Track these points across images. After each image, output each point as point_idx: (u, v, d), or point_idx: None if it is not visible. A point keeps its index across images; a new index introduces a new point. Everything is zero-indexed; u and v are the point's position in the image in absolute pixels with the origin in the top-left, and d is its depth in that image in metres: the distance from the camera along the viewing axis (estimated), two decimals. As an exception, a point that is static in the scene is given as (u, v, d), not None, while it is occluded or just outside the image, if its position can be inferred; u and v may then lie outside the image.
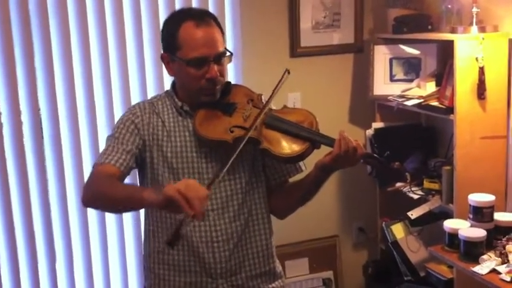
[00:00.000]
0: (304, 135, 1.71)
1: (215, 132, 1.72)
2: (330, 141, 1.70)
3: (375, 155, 1.74)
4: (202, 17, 1.74)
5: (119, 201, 1.64)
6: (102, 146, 1.83)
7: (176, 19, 1.75)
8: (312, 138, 1.71)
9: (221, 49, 1.73)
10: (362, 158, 1.70)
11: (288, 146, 1.70)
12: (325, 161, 1.70)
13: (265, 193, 1.84)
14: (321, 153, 1.75)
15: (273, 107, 1.83)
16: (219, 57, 1.72)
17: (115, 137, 1.76)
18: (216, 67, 1.71)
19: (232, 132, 1.71)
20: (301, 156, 1.71)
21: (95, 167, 1.74)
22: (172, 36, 1.72)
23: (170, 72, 1.79)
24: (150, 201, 1.53)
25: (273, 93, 1.74)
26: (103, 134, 2.72)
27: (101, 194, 1.65)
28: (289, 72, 1.75)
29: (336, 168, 1.73)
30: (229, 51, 1.77)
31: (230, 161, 1.64)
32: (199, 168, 1.75)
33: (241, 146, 1.66)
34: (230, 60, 1.78)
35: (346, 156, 1.67)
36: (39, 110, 2.65)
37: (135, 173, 1.86)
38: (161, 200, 1.49)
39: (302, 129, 1.72)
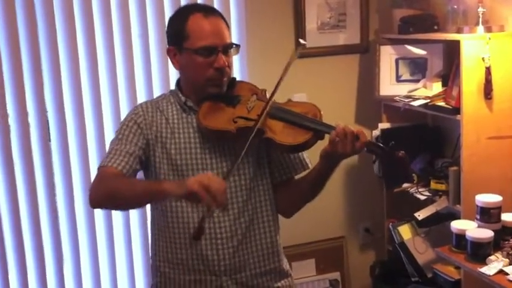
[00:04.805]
0: (307, 125, 1.71)
1: (218, 123, 1.73)
2: (332, 130, 1.68)
3: (379, 143, 1.72)
4: (209, 9, 1.78)
5: (137, 196, 1.66)
6: (108, 146, 1.83)
7: (183, 12, 1.78)
8: (315, 127, 1.70)
9: (229, 41, 1.76)
10: (365, 145, 1.68)
11: (291, 135, 1.70)
12: (326, 147, 1.70)
13: (270, 190, 1.84)
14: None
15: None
16: (227, 48, 1.75)
17: (118, 138, 1.77)
18: (223, 57, 1.72)
19: (235, 122, 1.72)
20: (305, 145, 1.70)
21: (99, 169, 1.75)
22: (179, 28, 1.74)
23: (176, 66, 1.80)
24: (173, 193, 1.58)
25: (280, 79, 1.73)
26: (109, 134, 2.73)
27: (116, 193, 1.66)
28: (301, 44, 1.73)
29: (337, 155, 1.69)
30: (236, 44, 1.78)
31: (243, 151, 1.64)
32: (203, 165, 1.76)
33: (251, 137, 1.65)
34: (237, 52, 1.80)
35: (344, 141, 1.65)
36: (46, 111, 2.66)
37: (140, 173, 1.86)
38: (183, 193, 1.54)
39: (305, 119, 1.72)
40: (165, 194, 1.60)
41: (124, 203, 1.74)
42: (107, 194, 1.68)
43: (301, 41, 1.76)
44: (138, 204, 1.82)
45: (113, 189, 1.66)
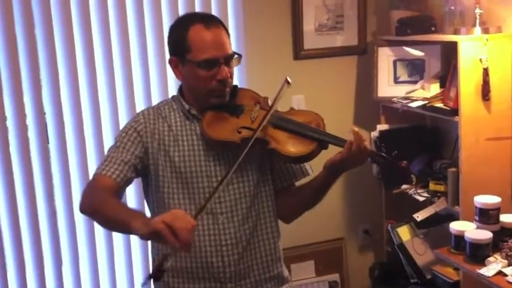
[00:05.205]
0: (311, 135, 1.71)
1: (222, 133, 1.73)
2: (338, 141, 1.70)
3: (383, 153, 1.72)
4: (210, 20, 1.76)
5: (111, 223, 1.67)
6: (107, 149, 1.83)
7: (184, 22, 1.76)
8: (319, 138, 1.71)
9: (230, 51, 1.75)
10: (369, 156, 1.68)
11: (295, 146, 1.70)
12: (335, 159, 1.69)
13: (273, 196, 1.84)
14: (327, 156, 1.74)
15: (280, 110, 1.83)
16: (229, 59, 1.74)
17: (116, 146, 1.76)
18: (226, 68, 1.72)
19: (239, 133, 1.72)
20: (309, 156, 1.71)
21: (93, 176, 1.75)
22: (181, 39, 1.73)
23: (179, 77, 1.79)
24: (138, 232, 1.52)
25: (276, 97, 1.74)
26: (108, 137, 2.73)
27: (97, 210, 1.66)
28: (289, 83, 1.73)
29: (344, 168, 1.71)
30: (238, 54, 1.78)
31: (237, 162, 1.64)
32: (208, 172, 1.75)
33: (248, 147, 1.65)
34: (239, 63, 1.80)
35: (357, 156, 1.66)
36: (44, 113, 2.66)
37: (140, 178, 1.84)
38: (147, 232, 1.49)
39: (309, 129, 1.73)
40: (131, 231, 1.55)
41: (103, 224, 1.74)
42: (92, 209, 1.68)
43: (289, 79, 1.73)
44: (114, 230, 1.81)
45: (99, 207, 1.66)
